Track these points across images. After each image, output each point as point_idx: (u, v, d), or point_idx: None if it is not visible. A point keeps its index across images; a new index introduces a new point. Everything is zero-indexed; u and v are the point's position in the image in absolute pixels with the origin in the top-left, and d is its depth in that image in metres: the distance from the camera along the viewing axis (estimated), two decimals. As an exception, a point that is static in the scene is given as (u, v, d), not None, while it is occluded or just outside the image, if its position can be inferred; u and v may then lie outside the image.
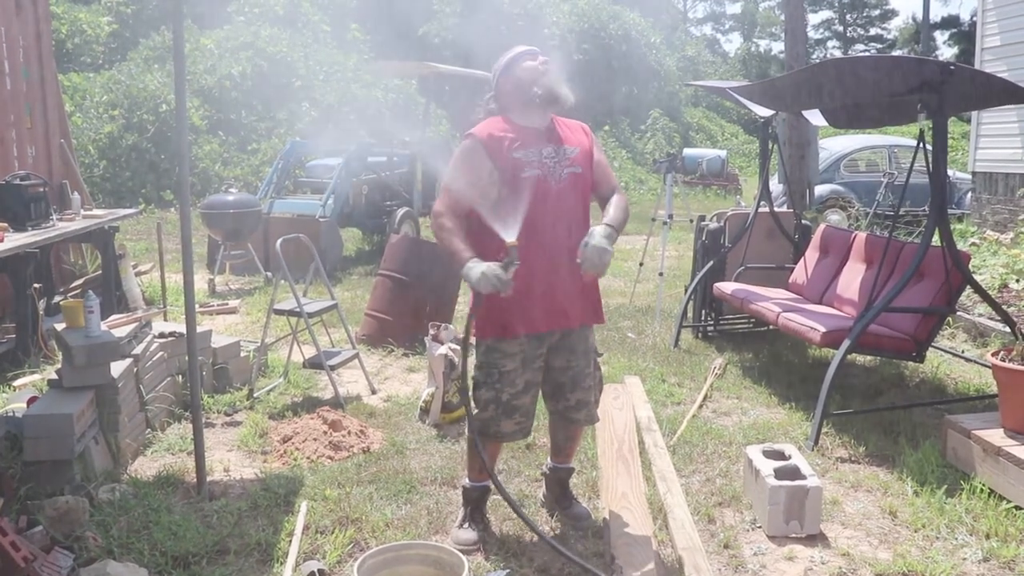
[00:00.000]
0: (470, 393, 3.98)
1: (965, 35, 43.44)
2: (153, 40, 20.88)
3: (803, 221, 8.22)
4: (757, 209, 7.72)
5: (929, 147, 5.38)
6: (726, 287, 7.30)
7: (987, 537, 4.09)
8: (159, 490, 4.49)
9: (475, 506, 4.16)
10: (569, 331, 3.97)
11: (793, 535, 4.12)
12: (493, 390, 3.91)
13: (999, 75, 7.02)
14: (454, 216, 3.73)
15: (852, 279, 6.58)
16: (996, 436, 4.60)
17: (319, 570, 3.70)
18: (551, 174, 3.77)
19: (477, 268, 3.55)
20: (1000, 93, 5.56)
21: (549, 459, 4.41)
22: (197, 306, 8.28)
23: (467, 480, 4.19)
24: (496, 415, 3.92)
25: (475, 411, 3.97)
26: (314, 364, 6.11)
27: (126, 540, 3.91)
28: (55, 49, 14.62)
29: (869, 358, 6.96)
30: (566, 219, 3.80)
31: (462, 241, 3.69)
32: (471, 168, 3.75)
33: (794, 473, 4.23)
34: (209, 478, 4.63)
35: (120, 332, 5.19)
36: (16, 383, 5.86)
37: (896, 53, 50.68)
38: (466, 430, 4.11)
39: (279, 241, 6.13)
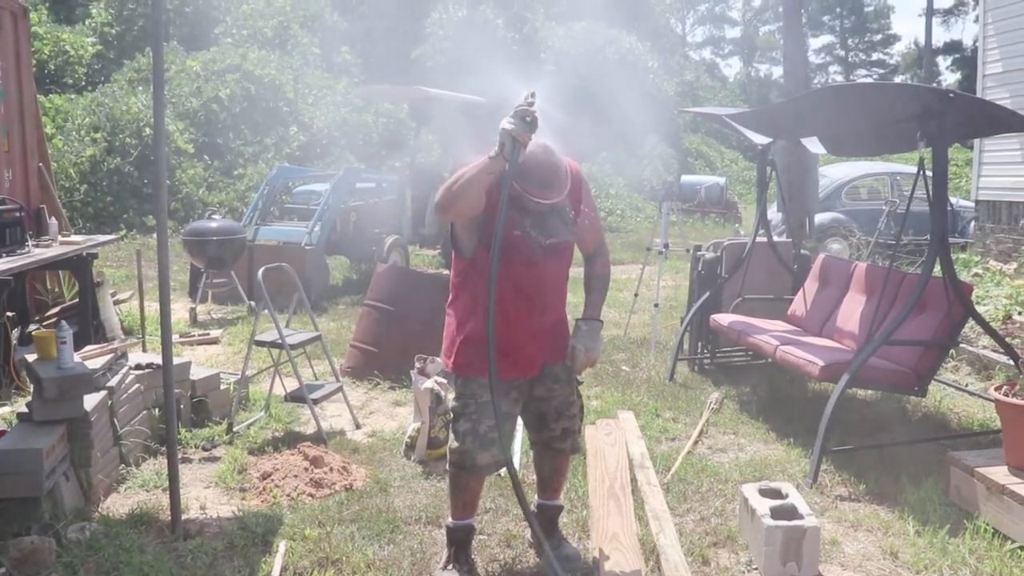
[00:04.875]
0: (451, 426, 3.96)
1: (968, 60, 43.59)
2: (138, 62, 20.80)
3: (802, 251, 8.11)
4: (755, 238, 7.61)
5: (930, 175, 5.28)
6: (723, 319, 7.17)
7: (991, 579, 3.98)
8: (132, 529, 4.37)
9: (459, 546, 4.05)
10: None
11: (791, 578, 3.98)
12: (471, 421, 3.84)
13: (1001, 102, 6.95)
14: None
15: (852, 311, 6.47)
16: (1000, 474, 4.51)
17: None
18: (532, 240, 3.76)
19: (504, 121, 3.41)
20: (1001, 121, 5.49)
21: (536, 496, 4.32)
22: (177, 336, 8.26)
23: (451, 519, 4.07)
24: (473, 447, 3.84)
25: (454, 444, 3.89)
26: (296, 398, 5.99)
27: (94, 582, 3.78)
28: (36, 70, 14.51)
29: (870, 392, 6.82)
30: (543, 282, 3.84)
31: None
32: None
33: (791, 512, 4.13)
34: (184, 516, 4.51)
35: (94, 363, 5.06)
36: (-14, 416, 5.72)
37: (899, 79, 51.09)
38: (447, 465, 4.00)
39: (261, 270, 6.02)
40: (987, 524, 4.40)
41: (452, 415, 3.94)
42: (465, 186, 3.53)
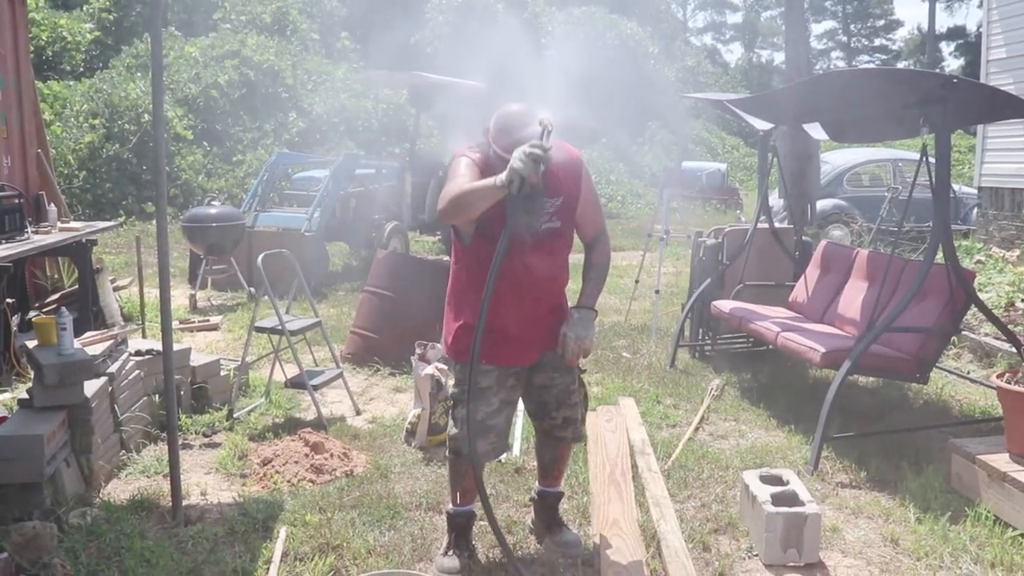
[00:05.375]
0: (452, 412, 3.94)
1: (972, 46, 43.27)
2: (136, 48, 20.70)
3: (804, 237, 8.08)
4: (756, 225, 7.58)
5: (932, 161, 5.26)
6: (724, 305, 7.15)
7: (992, 566, 3.98)
8: (132, 515, 4.37)
9: (460, 532, 4.05)
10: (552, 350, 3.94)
11: (791, 564, 3.99)
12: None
13: (1004, 88, 6.91)
14: None
15: (854, 297, 6.44)
16: (1001, 461, 4.50)
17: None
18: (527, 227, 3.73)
19: (515, 157, 3.34)
20: (1004, 107, 5.46)
21: (537, 483, 4.31)
22: (177, 322, 8.26)
23: (451, 505, 4.08)
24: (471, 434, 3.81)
25: (453, 431, 3.90)
26: (296, 384, 5.98)
27: (96, 567, 3.80)
28: (34, 56, 14.46)
29: (871, 379, 6.81)
30: (539, 270, 3.79)
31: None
32: (469, 175, 3.67)
33: (792, 499, 4.12)
34: (185, 502, 4.51)
35: (94, 350, 5.05)
36: (-14, 402, 5.72)
37: (901, 64, 50.85)
38: (447, 452, 3.99)
39: (261, 256, 6.01)
40: (988, 511, 4.39)
41: (452, 402, 3.94)
42: (470, 203, 3.55)
